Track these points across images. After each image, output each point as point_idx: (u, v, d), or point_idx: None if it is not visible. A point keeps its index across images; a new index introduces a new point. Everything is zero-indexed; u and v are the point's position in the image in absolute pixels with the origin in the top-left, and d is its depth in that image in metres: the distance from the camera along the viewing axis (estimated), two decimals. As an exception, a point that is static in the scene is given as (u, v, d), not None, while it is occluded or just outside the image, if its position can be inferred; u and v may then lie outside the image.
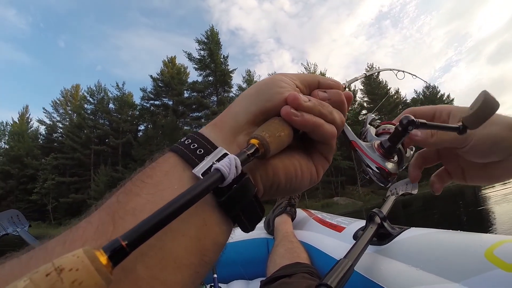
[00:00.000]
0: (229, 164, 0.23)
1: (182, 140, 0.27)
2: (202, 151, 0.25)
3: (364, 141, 0.41)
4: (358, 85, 32.50)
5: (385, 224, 0.69)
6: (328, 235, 0.96)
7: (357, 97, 31.68)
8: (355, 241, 0.62)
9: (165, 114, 28.37)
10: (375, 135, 0.43)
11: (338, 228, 0.95)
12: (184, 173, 0.24)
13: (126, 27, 60.54)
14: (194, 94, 28.54)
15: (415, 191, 0.93)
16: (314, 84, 0.33)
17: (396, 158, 0.39)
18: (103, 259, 0.16)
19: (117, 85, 30.18)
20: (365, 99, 32.34)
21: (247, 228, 0.27)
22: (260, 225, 1.38)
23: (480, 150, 0.41)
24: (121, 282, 0.19)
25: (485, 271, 0.40)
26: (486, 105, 0.34)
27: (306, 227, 1.16)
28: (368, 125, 0.45)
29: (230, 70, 28.38)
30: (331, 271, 0.51)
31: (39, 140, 31.65)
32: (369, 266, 0.61)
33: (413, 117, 0.34)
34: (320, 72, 30.44)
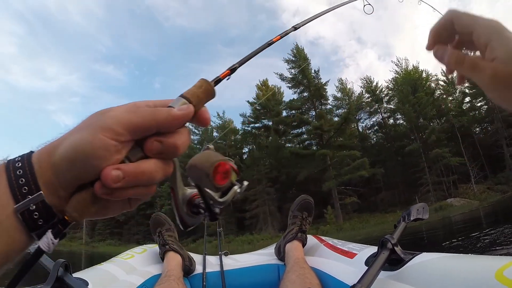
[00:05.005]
0: (47, 244, 0.27)
1: (16, 164, 0.28)
2: (26, 190, 0.27)
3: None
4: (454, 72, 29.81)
5: (397, 250, 0.69)
6: (340, 261, 0.96)
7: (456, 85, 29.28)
8: (367, 267, 0.63)
9: (267, 135, 29.10)
10: None
11: (350, 255, 0.95)
12: (7, 206, 0.27)
13: (211, 60, 64.28)
14: (293, 112, 28.62)
15: (426, 216, 0.93)
16: (151, 130, 0.29)
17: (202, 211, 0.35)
18: None
19: (218, 114, 31.78)
20: (466, 84, 29.41)
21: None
22: (271, 251, 1.37)
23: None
24: None
25: None
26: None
27: (317, 253, 1.15)
28: None
29: (323, 83, 27.90)
30: None
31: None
32: (382, 292, 0.61)
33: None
34: (413, 65, 27.31)
